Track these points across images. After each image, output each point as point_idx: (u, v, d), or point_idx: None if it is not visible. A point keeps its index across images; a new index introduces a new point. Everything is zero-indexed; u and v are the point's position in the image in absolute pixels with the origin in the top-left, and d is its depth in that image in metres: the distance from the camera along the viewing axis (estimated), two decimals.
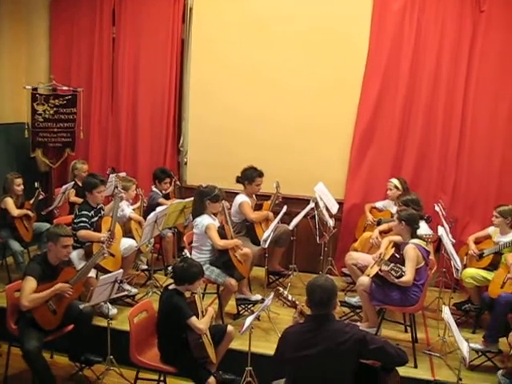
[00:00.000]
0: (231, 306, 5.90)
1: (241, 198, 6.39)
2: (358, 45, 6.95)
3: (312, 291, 3.63)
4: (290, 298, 4.08)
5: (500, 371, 4.41)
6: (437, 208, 6.18)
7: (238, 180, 6.48)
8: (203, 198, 5.60)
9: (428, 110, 6.88)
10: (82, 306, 4.89)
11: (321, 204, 6.15)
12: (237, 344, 4.99)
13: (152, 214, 5.91)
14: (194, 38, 7.53)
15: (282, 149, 7.25)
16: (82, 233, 5.59)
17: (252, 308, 5.89)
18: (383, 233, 5.99)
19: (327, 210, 6.30)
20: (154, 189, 6.97)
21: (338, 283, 6.79)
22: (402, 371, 4.71)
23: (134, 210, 6.52)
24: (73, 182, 6.93)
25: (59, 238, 4.78)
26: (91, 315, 5.05)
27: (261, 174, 6.45)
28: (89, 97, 7.89)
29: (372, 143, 7.06)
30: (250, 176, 6.42)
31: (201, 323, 4.38)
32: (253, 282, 6.51)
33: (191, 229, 5.99)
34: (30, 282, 4.63)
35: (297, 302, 4.02)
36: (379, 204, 6.76)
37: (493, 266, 5.76)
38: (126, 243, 5.96)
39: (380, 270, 5.03)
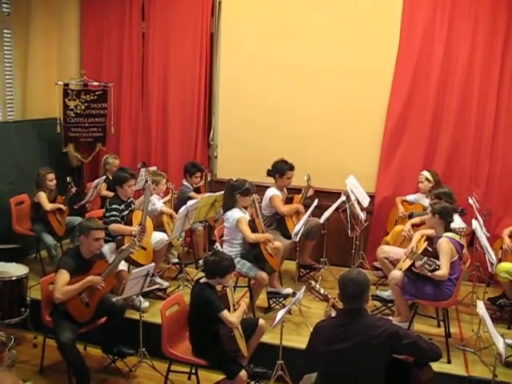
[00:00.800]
0: (262, 299, 5.90)
1: (271, 192, 6.38)
2: (388, 34, 6.87)
3: (344, 285, 3.60)
4: (321, 291, 4.06)
5: None
6: (470, 201, 6.08)
7: (269, 173, 6.46)
8: (234, 192, 5.61)
9: (461, 102, 6.76)
10: (114, 299, 4.94)
11: (352, 197, 6.11)
12: (268, 337, 4.99)
13: (183, 208, 5.93)
14: (223, 31, 7.53)
15: (313, 141, 7.20)
16: (114, 226, 5.64)
17: (283, 301, 5.88)
18: (415, 226, 5.92)
19: (358, 203, 6.25)
20: (185, 183, 7.00)
21: (370, 277, 6.70)
22: (436, 366, 4.65)
23: (164, 203, 6.55)
24: (104, 176, 7.00)
25: (91, 231, 4.83)
26: (124, 308, 5.11)
27: (292, 168, 6.41)
28: (119, 92, 7.94)
29: (403, 136, 6.98)
30: (280, 169, 6.40)
31: (232, 317, 4.38)
32: (284, 275, 6.50)
33: (222, 222, 6.00)
34: (63, 275, 4.70)
35: (329, 296, 4.01)
36: (410, 197, 6.68)
37: None
38: (158, 237, 5.99)
39: (413, 264, 4.97)
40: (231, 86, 7.55)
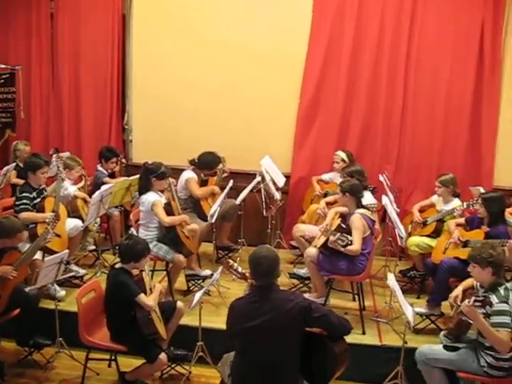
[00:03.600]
0: (181, 282, 5.89)
1: (187, 174, 6.35)
2: (301, 17, 6.96)
3: (257, 262, 3.66)
4: (239, 270, 4.10)
5: (442, 332, 4.54)
6: (381, 178, 6.30)
7: (194, 163, 6.41)
8: (149, 176, 5.55)
9: (371, 83, 6.97)
10: (27, 289, 4.79)
11: (267, 177, 6.17)
12: (188, 320, 5.01)
13: (97, 193, 5.82)
14: (135, 12, 7.36)
15: (228, 124, 7.23)
16: (24, 215, 5.45)
17: (202, 283, 5.89)
18: (330, 204, 6.07)
19: (274, 183, 6.33)
20: (100, 168, 6.84)
21: (287, 256, 6.91)
22: (351, 338, 4.81)
23: (78, 189, 6.39)
24: (14, 164, 6.74)
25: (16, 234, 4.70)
26: (38, 298, 4.98)
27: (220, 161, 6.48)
28: (28, 75, 7.63)
29: (317, 116, 7.12)
30: (211, 164, 6.41)
31: (149, 300, 4.37)
32: (202, 257, 6.51)
33: (138, 207, 5.93)
34: None
35: (247, 274, 4.04)
36: (325, 176, 6.83)
37: (436, 234, 5.93)
38: (72, 223, 5.85)
39: (327, 241, 5.10)
40: (145, 69, 7.42)
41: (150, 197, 5.49)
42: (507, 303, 4.02)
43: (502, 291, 4.08)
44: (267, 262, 3.63)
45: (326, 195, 6.39)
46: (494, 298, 4.04)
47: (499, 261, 4.13)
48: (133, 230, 4.97)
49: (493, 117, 6.93)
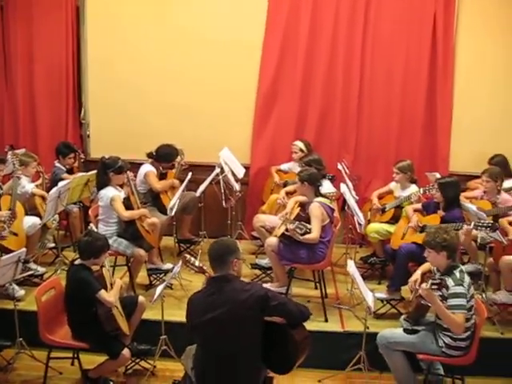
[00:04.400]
0: (143, 277, 5.86)
1: (146, 168, 6.30)
2: (257, 5, 6.98)
3: (210, 249, 3.69)
4: (196, 263, 4.09)
5: (402, 316, 4.63)
6: (339, 167, 6.36)
7: (151, 156, 6.36)
8: (106, 170, 5.48)
9: (328, 73, 7.04)
10: None
11: (226, 169, 6.17)
12: (150, 314, 4.99)
13: (54, 189, 5.71)
14: (89, 4, 7.22)
15: (185, 116, 7.20)
16: None
17: (164, 277, 5.86)
18: (289, 194, 6.10)
19: (233, 174, 6.33)
20: (57, 164, 6.73)
21: (249, 247, 6.93)
22: (313, 326, 4.95)
23: (36, 186, 6.28)
24: None
25: None
26: None
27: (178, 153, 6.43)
28: None
29: (274, 107, 7.16)
30: (169, 157, 6.37)
31: (109, 296, 4.33)
32: (164, 251, 6.48)
33: (97, 202, 5.86)
34: None
35: (204, 267, 4.04)
36: (284, 166, 6.88)
37: (394, 220, 6.02)
38: (30, 221, 5.74)
39: (287, 229, 5.13)
40: (100, 63, 7.30)
41: (109, 192, 5.44)
42: (463, 286, 4.11)
43: (457, 274, 4.17)
44: (218, 250, 3.65)
45: (285, 185, 6.43)
46: (450, 282, 4.13)
47: (453, 245, 4.22)
48: (92, 226, 4.91)
49: (447, 104, 7.08)
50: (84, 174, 6.38)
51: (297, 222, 5.08)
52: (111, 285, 4.52)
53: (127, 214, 5.39)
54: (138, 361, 4.86)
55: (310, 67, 7.03)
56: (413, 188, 6.04)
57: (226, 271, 3.63)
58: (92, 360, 4.69)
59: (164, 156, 6.36)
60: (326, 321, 5.27)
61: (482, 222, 4.93)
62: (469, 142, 7.15)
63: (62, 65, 7.34)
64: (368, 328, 4.71)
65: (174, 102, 7.20)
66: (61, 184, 5.89)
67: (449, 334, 4.19)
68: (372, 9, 6.88)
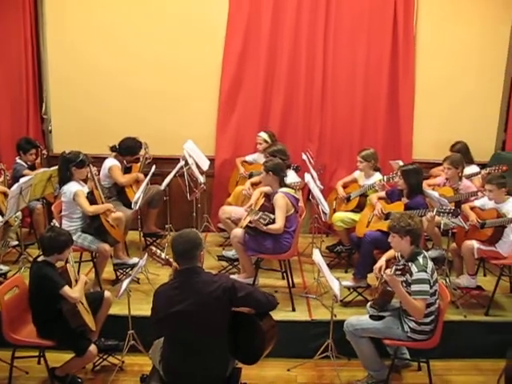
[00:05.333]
0: (110, 272, 5.81)
1: (110, 162, 6.23)
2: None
3: (175, 244, 3.66)
4: (162, 256, 4.07)
5: (369, 303, 4.68)
6: (304, 157, 6.39)
7: (115, 150, 6.28)
8: (68, 165, 5.40)
9: (291, 64, 7.04)
10: None
11: (190, 161, 6.14)
12: (118, 309, 4.96)
13: (15, 186, 5.59)
14: None
15: (149, 109, 7.14)
16: None
17: (130, 272, 5.82)
18: (255, 185, 6.10)
19: (198, 166, 6.31)
20: (19, 160, 6.61)
21: (216, 239, 6.93)
22: (281, 315, 4.99)
23: None
24: None
25: None
26: None
27: (141, 146, 6.37)
28: None
29: (238, 98, 7.14)
30: (133, 149, 6.30)
31: (74, 292, 4.27)
32: (130, 245, 6.43)
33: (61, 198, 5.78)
34: None
35: (171, 260, 4.02)
36: (249, 157, 6.89)
37: (359, 208, 6.08)
38: None
39: (251, 220, 5.14)
40: (61, 56, 7.16)
41: (72, 187, 5.36)
42: (426, 271, 4.17)
43: (420, 260, 4.23)
44: (184, 244, 3.62)
45: (250, 176, 6.42)
46: (413, 268, 4.19)
47: (417, 230, 4.28)
48: (55, 222, 4.84)
49: (409, 93, 7.16)
50: (46, 169, 6.29)
51: (260, 213, 5.10)
52: (76, 281, 4.46)
53: (92, 209, 5.33)
54: (105, 357, 4.83)
55: (273, 58, 7.03)
56: (377, 176, 6.11)
57: (193, 264, 3.63)
58: (58, 358, 4.62)
59: (127, 149, 6.30)
60: (294, 310, 5.30)
61: (444, 208, 5.02)
62: (431, 129, 7.26)
63: (22, 60, 7.17)
64: (335, 316, 4.76)
65: (136, 96, 7.12)
66: (22, 180, 5.78)
67: (413, 318, 4.26)
68: (333, 2, 6.90)
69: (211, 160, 6.91)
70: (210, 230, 6.90)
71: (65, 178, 5.46)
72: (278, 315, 4.55)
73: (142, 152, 6.47)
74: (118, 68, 7.12)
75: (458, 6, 7.04)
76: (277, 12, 6.93)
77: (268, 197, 5.45)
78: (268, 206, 5.27)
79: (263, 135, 6.60)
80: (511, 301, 5.58)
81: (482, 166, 6.61)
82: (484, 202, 5.47)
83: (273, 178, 5.37)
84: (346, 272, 6.06)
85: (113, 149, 6.29)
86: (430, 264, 4.26)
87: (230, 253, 6.07)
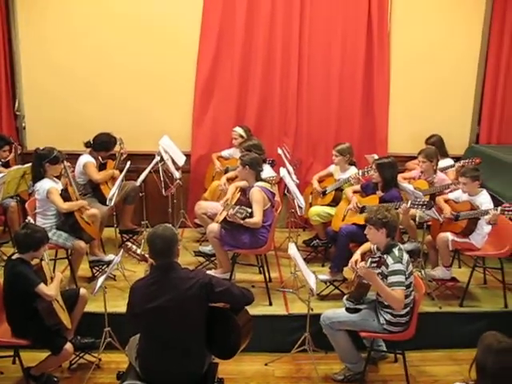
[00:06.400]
0: (86, 269, 5.77)
1: (84, 159, 6.16)
2: None
3: (152, 242, 3.64)
4: (138, 251, 4.06)
5: (345, 296, 4.71)
6: (280, 151, 6.40)
7: (89, 145, 6.21)
8: (42, 161, 5.34)
9: (266, 58, 7.04)
10: None
11: (165, 157, 6.11)
12: (94, 306, 4.92)
13: None
14: None
15: (125, 105, 7.08)
16: None
17: (106, 269, 5.77)
18: (231, 180, 6.11)
19: (174, 162, 6.28)
20: None
21: (193, 234, 6.91)
22: (258, 310, 5.00)
23: None
24: None
25: None
26: None
27: (116, 142, 6.31)
28: None
29: (214, 93, 7.12)
30: (108, 145, 6.24)
31: (49, 289, 4.22)
32: (106, 242, 6.39)
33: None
34: None
35: (146, 255, 4.01)
36: (225, 153, 6.87)
37: (335, 202, 6.09)
38: None
39: (227, 214, 5.14)
40: (33, 53, 7.08)
41: (45, 184, 5.30)
42: (401, 263, 4.21)
43: (396, 252, 4.27)
44: (162, 240, 3.61)
45: (226, 171, 6.43)
46: (389, 260, 4.23)
47: (393, 222, 4.31)
48: (29, 219, 4.79)
49: (384, 87, 7.22)
50: (20, 166, 6.20)
51: (237, 207, 5.09)
52: (51, 278, 4.42)
53: (66, 206, 5.27)
54: (82, 355, 4.79)
55: (248, 53, 7.02)
56: (352, 170, 6.15)
57: (170, 259, 3.63)
58: (34, 357, 4.55)
59: (101, 144, 6.23)
60: (271, 304, 5.31)
61: (418, 200, 5.07)
62: (406, 123, 7.34)
63: None
64: (312, 310, 4.77)
65: (111, 91, 7.07)
66: None
67: (389, 310, 4.30)
68: None
69: (187, 155, 6.89)
70: (187, 225, 6.88)
71: (38, 175, 5.39)
72: (255, 310, 4.56)
73: (118, 148, 6.41)
74: (92, 65, 7.04)
75: (431, 1, 7.10)
76: (251, 8, 6.91)
77: (244, 191, 5.44)
78: (244, 201, 5.27)
79: (239, 130, 6.60)
80: (485, 291, 5.67)
81: (457, 159, 6.68)
82: (458, 194, 5.53)
83: (249, 172, 5.37)
84: (323, 266, 6.08)
85: (87, 144, 6.23)
86: (406, 256, 4.30)
87: (207, 248, 6.06)
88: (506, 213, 4.92)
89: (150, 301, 3.51)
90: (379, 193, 5.54)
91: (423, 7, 7.10)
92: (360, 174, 5.93)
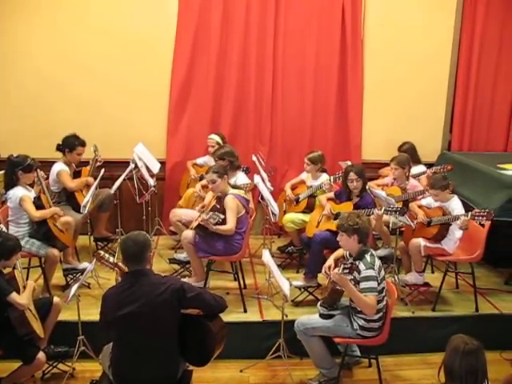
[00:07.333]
0: (60, 278, 5.72)
1: (58, 167, 6.10)
2: (167, 3, 6.93)
3: (125, 245, 3.65)
4: (111, 260, 4.05)
5: (319, 302, 4.73)
6: (254, 158, 6.43)
7: (59, 148, 6.16)
8: (15, 169, 5.29)
9: (241, 65, 7.07)
10: None
11: (139, 164, 6.10)
12: (67, 314, 4.89)
13: None
14: None
15: (100, 112, 7.03)
16: None
17: (80, 277, 5.73)
18: (206, 187, 6.09)
19: (148, 169, 6.27)
20: None
21: (168, 242, 6.90)
22: (233, 317, 5.01)
23: None
24: None
25: None
26: None
27: (83, 144, 6.19)
28: None
29: (188, 101, 7.12)
30: (71, 144, 6.15)
31: (21, 298, 4.18)
32: (81, 250, 6.34)
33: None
34: None
35: (119, 264, 4.01)
36: (200, 160, 6.88)
37: (309, 209, 6.14)
38: None
39: (201, 220, 5.15)
40: (5, 58, 6.99)
41: (18, 192, 5.25)
42: (373, 269, 4.26)
43: (368, 258, 4.31)
44: (134, 244, 3.62)
45: (201, 178, 6.43)
46: (361, 266, 4.27)
47: (364, 229, 4.36)
48: (2, 227, 4.74)
49: (357, 95, 7.31)
50: None
51: (211, 213, 5.10)
52: (24, 287, 4.38)
53: (38, 214, 5.23)
54: (55, 364, 4.75)
55: (223, 60, 7.04)
56: (323, 177, 6.21)
57: (142, 266, 3.64)
58: (5, 367, 4.49)
59: (65, 144, 6.13)
60: (246, 311, 5.31)
61: (391, 206, 5.13)
62: (380, 130, 7.42)
63: None
64: (286, 316, 4.79)
65: (85, 98, 7.02)
66: None
67: (362, 316, 4.34)
68: (282, 3, 6.97)
69: (162, 163, 6.89)
70: (162, 233, 6.87)
71: (11, 183, 5.34)
72: (229, 316, 4.58)
73: (92, 155, 6.37)
74: (65, 71, 6.98)
75: (403, 7, 7.22)
76: (226, 14, 6.95)
77: (219, 198, 5.45)
78: (218, 208, 5.28)
79: (215, 137, 6.61)
80: (457, 296, 5.76)
81: (430, 165, 6.77)
82: (430, 200, 5.60)
83: (221, 183, 5.35)
84: (298, 272, 6.11)
85: (58, 147, 6.18)
86: (378, 262, 4.35)
87: (182, 255, 6.04)
88: (476, 218, 5.00)
89: (122, 308, 3.51)
90: (356, 199, 5.59)
91: (396, 14, 7.20)
92: (331, 180, 6.00)
